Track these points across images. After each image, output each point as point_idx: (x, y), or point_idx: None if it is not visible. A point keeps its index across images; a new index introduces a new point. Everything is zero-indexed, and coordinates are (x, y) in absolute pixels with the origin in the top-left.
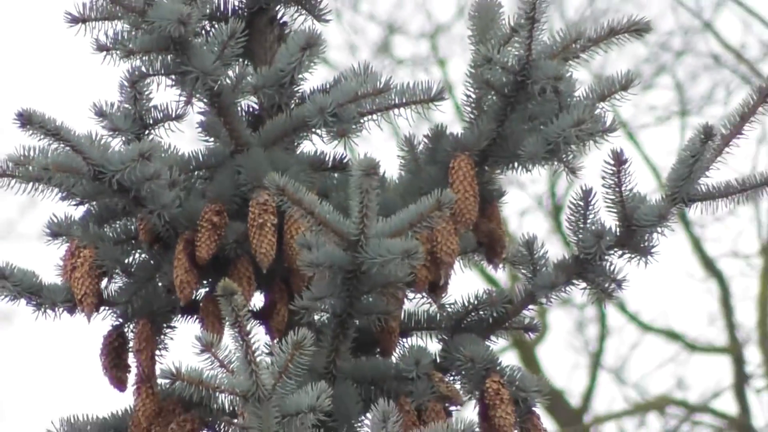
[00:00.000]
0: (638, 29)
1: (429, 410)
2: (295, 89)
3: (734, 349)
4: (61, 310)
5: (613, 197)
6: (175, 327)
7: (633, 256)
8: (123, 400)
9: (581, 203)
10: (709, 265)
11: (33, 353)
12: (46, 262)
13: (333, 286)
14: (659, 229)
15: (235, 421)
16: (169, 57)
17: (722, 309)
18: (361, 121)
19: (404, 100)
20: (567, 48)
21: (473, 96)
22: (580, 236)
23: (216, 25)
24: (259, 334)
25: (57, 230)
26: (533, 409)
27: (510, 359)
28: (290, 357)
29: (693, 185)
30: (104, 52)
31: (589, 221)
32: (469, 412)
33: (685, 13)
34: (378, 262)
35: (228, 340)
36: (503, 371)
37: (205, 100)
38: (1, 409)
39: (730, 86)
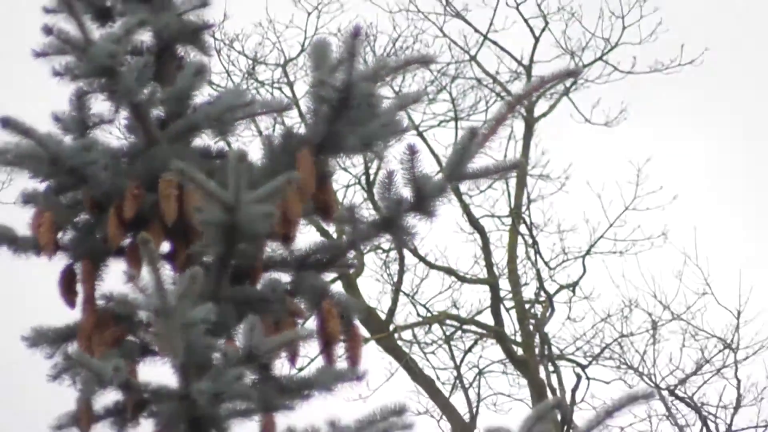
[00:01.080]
0: (425, 61)
1: (283, 322)
2: (190, 102)
3: (491, 281)
4: (30, 253)
5: (408, 176)
6: (108, 265)
7: (422, 216)
8: (73, 315)
9: (387, 180)
10: (474, 223)
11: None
12: (21, 221)
13: (217, 237)
14: (440, 199)
15: (150, 329)
16: (103, 80)
17: (483, 253)
18: (235, 124)
19: (265, 110)
20: (376, 74)
21: (312, 107)
22: (386, 203)
23: (135, 58)
24: (166, 270)
25: (28, 199)
26: (353, 322)
27: (338, 287)
28: (187, 285)
29: (463, 168)
30: (58, 77)
31: (392, 193)
32: (310, 324)
33: (457, 50)
34: (247, 221)
35: (145, 273)
36: (333, 296)
37: (128, 109)
38: None
39: (489, 101)
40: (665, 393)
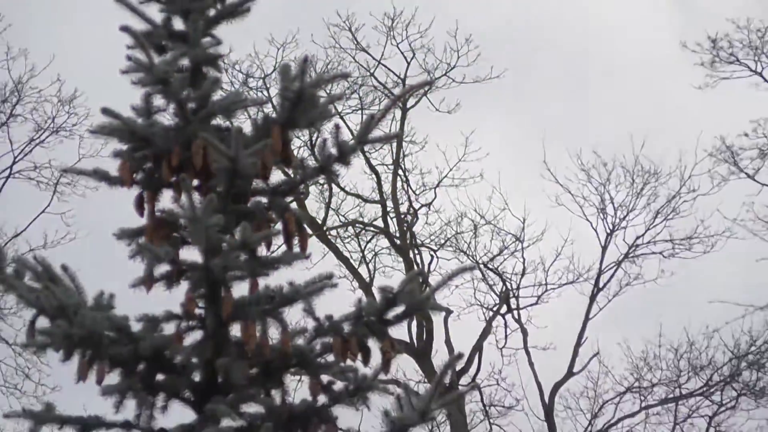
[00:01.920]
0: (344, 76)
1: (263, 225)
2: (210, 99)
3: (382, 201)
4: (117, 186)
5: (334, 141)
6: (162, 193)
7: (342, 165)
8: (142, 221)
9: (322, 144)
10: (372, 168)
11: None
12: (112, 167)
13: (225, 176)
14: (353, 155)
15: (187, 229)
16: (160, 86)
17: (377, 185)
18: (236, 112)
19: (252, 104)
20: (317, 83)
21: (280, 102)
22: (322, 157)
23: (179, 74)
24: (196, 196)
25: (116, 154)
26: (303, 225)
27: (294, 206)
28: (208, 204)
29: (366, 137)
30: (135, 85)
31: (325, 151)
32: (278, 227)
33: (362, 69)
34: (242, 167)
35: (184, 198)
36: (291, 210)
37: (174, 104)
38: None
39: (381, 99)
40: (482, 266)
